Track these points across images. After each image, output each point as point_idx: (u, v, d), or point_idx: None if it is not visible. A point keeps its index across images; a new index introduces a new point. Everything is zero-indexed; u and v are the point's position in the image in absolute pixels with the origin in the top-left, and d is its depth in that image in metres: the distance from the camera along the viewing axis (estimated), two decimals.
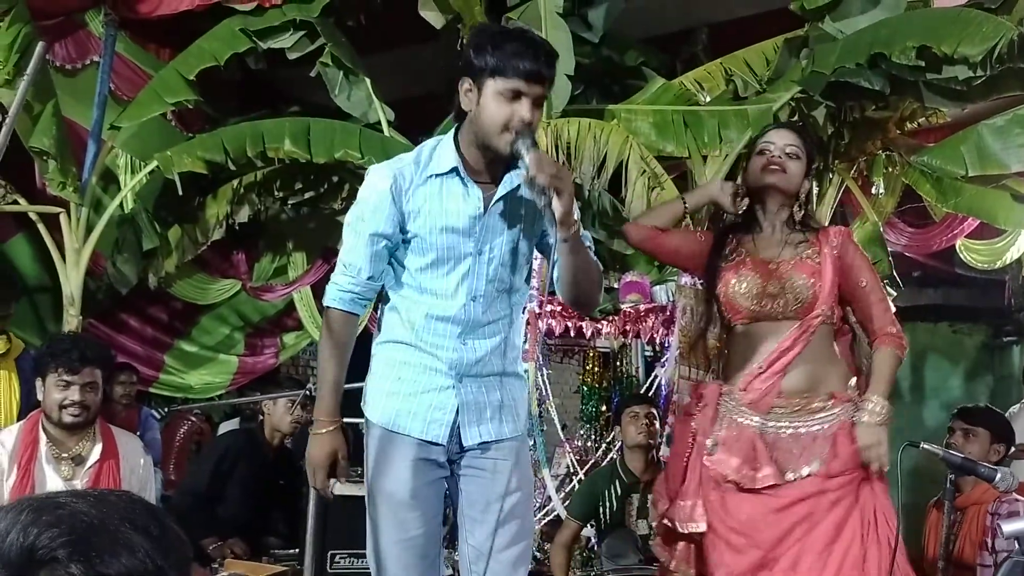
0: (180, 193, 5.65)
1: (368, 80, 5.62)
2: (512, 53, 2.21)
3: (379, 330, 2.45)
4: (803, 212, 2.75)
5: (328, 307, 2.39)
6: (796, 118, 5.21)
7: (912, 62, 4.62)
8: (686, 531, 2.67)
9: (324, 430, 2.33)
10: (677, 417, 2.96)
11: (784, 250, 2.72)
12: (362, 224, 2.34)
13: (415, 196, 2.32)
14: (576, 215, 2.28)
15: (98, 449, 3.28)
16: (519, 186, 2.34)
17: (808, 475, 2.60)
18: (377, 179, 2.35)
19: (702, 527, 2.64)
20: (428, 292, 2.35)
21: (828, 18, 5.18)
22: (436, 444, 2.34)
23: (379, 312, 2.49)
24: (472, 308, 2.34)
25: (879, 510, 2.66)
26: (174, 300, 6.92)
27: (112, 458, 3.30)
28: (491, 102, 2.23)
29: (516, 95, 2.21)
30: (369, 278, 2.36)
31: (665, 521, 2.76)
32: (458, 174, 2.31)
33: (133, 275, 6.21)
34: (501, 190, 2.33)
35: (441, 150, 2.35)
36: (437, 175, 2.32)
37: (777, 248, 2.72)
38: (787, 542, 2.58)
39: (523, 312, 2.55)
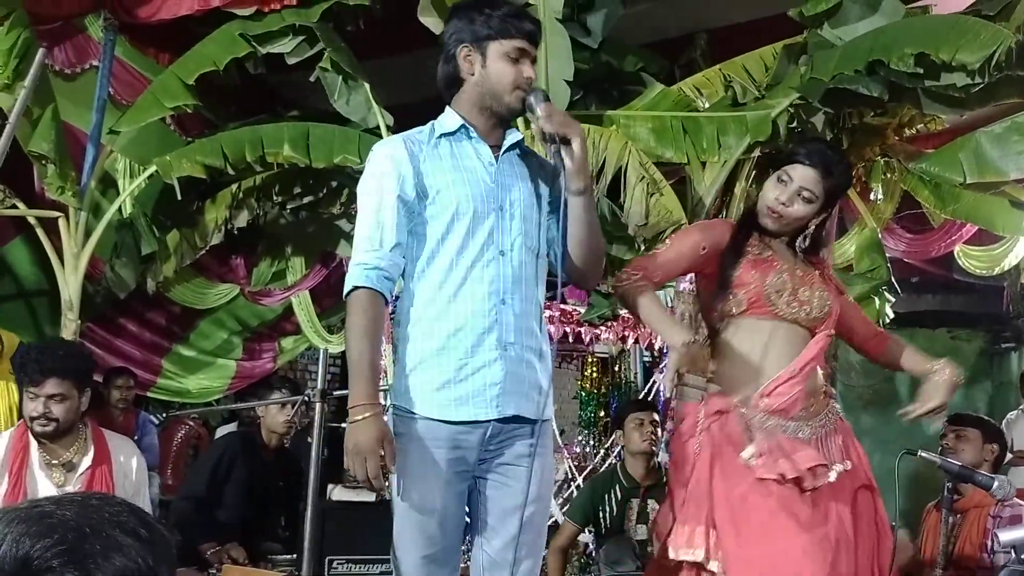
0: (179, 198, 5.66)
1: (367, 85, 5.62)
2: (511, 15, 2.34)
3: (402, 323, 2.35)
4: (807, 243, 2.71)
5: (354, 288, 2.26)
6: (795, 124, 5.21)
7: (911, 69, 4.62)
8: (678, 558, 2.53)
9: (366, 415, 2.16)
10: (674, 438, 2.74)
11: (798, 262, 2.73)
12: (380, 191, 2.31)
13: (429, 157, 2.35)
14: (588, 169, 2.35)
15: (90, 455, 3.25)
16: (522, 140, 2.44)
17: (836, 477, 2.60)
18: (387, 147, 2.37)
19: (699, 555, 2.51)
20: (457, 254, 2.30)
21: (827, 24, 5.17)
22: (475, 428, 2.28)
23: (396, 307, 2.44)
24: (503, 264, 2.32)
25: (881, 521, 2.68)
26: (172, 304, 6.93)
27: (104, 463, 3.28)
28: (497, 63, 2.33)
29: (521, 54, 2.33)
30: (394, 247, 2.29)
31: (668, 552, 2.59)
32: (466, 132, 2.38)
33: (131, 279, 6.22)
34: (507, 143, 2.39)
35: (443, 118, 2.41)
36: (446, 135, 2.38)
37: (791, 257, 2.73)
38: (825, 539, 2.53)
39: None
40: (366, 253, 2.28)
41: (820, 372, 2.74)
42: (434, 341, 2.28)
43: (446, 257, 2.31)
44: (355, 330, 2.26)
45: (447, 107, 2.42)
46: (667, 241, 2.81)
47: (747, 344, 2.64)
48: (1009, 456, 7.52)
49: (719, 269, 2.66)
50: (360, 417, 2.17)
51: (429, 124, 2.42)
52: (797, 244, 2.72)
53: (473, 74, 2.36)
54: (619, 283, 2.64)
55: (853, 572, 2.53)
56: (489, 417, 2.28)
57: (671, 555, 2.56)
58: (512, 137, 2.42)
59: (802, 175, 2.65)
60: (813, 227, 2.70)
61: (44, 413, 3.13)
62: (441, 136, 2.38)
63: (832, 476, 2.57)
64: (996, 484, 2.90)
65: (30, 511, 0.93)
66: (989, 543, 3.45)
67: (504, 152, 2.39)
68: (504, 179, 2.37)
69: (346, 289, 2.29)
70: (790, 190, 2.64)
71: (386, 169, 2.32)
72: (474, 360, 2.27)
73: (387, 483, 2.28)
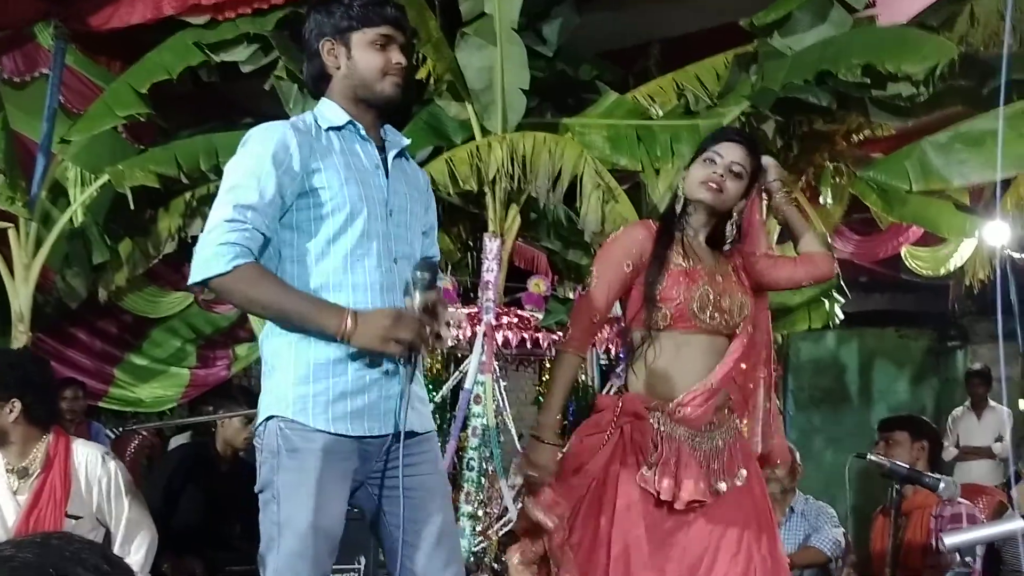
0: (132, 207, 5.60)
1: None
2: (371, 3, 2.23)
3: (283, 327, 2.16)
4: (735, 233, 2.71)
5: (230, 270, 2.04)
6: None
7: (858, 79, 4.74)
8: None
9: (353, 322, 2.05)
10: (583, 427, 2.72)
11: (717, 264, 2.71)
12: (258, 175, 2.09)
13: (317, 150, 2.17)
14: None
15: (40, 463, 3.24)
16: (406, 148, 2.35)
17: (727, 488, 2.60)
18: (274, 131, 2.16)
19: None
20: (352, 258, 2.16)
21: (777, 34, 5.28)
22: (377, 442, 2.18)
23: None
24: (397, 272, 2.20)
25: (774, 525, 2.72)
26: (124, 313, 6.86)
27: (53, 471, 3.24)
28: (364, 53, 2.22)
29: (387, 40, 2.23)
30: (262, 234, 2.10)
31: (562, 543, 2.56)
32: (355, 129, 2.24)
33: (83, 289, 6.15)
34: (392, 148, 2.30)
35: (324, 109, 2.25)
36: (334, 128, 2.22)
37: (711, 260, 2.71)
38: (711, 554, 2.56)
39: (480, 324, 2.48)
40: (233, 232, 2.06)
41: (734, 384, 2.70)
42: (331, 349, 2.12)
43: (339, 259, 2.16)
44: (273, 291, 2.09)
45: (324, 101, 2.27)
46: (594, 273, 2.68)
47: (667, 357, 2.62)
48: (955, 452, 7.76)
49: (644, 283, 2.63)
50: (351, 326, 2.06)
51: (308, 114, 2.26)
52: (726, 234, 2.71)
53: (340, 67, 2.24)
54: (558, 346, 2.69)
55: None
56: (386, 432, 2.17)
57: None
58: (399, 141, 2.33)
59: (731, 151, 2.66)
60: (737, 213, 2.69)
61: None
62: (328, 129, 2.22)
63: (722, 488, 2.60)
64: (942, 485, 3.00)
65: None
66: (933, 543, 3.54)
67: (394, 157, 2.30)
68: (394, 183, 2.27)
69: (214, 271, 2.05)
70: (722, 165, 2.64)
71: (269, 152, 2.11)
72: (372, 372, 2.15)
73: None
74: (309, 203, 2.15)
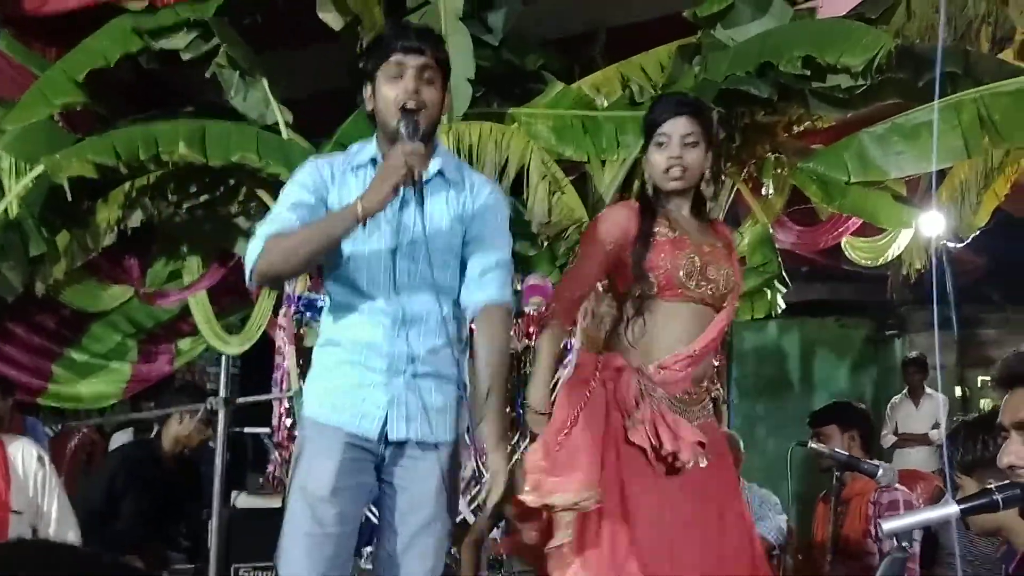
0: (69, 198, 5.46)
1: (265, 81, 5.53)
2: (385, 41, 2.46)
3: (317, 341, 2.60)
4: (711, 191, 2.82)
5: (258, 256, 2.39)
6: None
7: (798, 71, 4.80)
8: (583, 506, 2.51)
9: (357, 205, 2.32)
10: (568, 383, 2.76)
11: (705, 235, 2.78)
12: (286, 197, 2.48)
13: (342, 183, 2.48)
14: None
15: None
16: (442, 170, 2.48)
17: (703, 465, 2.64)
18: (307, 164, 2.55)
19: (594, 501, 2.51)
20: (357, 284, 2.44)
21: (719, 25, 5.33)
22: (366, 439, 2.41)
23: (322, 319, 2.64)
24: (404, 293, 2.42)
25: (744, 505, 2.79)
26: (63, 307, 6.68)
27: None
28: (382, 90, 2.42)
29: (399, 70, 2.39)
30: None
31: (549, 498, 2.54)
32: (374, 165, 2.47)
33: (19, 283, 5.97)
34: (427, 173, 2.45)
35: (365, 145, 2.54)
36: (359, 166, 2.50)
37: (698, 231, 2.78)
38: (690, 526, 2.61)
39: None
40: (264, 232, 2.42)
41: (714, 361, 2.82)
42: (333, 358, 2.48)
43: (346, 282, 2.46)
44: (297, 235, 2.38)
45: (373, 137, 2.55)
46: (579, 252, 2.83)
47: (655, 325, 2.68)
48: (894, 439, 7.93)
49: (632, 258, 2.70)
50: (358, 204, 2.32)
51: (356, 147, 2.56)
52: (703, 203, 2.79)
53: (372, 108, 2.49)
54: (541, 320, 2.76)
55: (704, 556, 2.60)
56: (365, 434, 2.41)
57: (535, 500, 2.56)
58: (433, 165, 2.47)
59: (676, 126, 2.72)
60: (708, 175, 2.78)
61: None
62: (356, 167, 2.50)
63: (703, 462, 2.63)
64: (880, 472, 3.08)
65: None
66: (872, 529, 3.61)
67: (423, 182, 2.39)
68: (411, 213, 2.41)
69: (250, 264, 2.40)
70: (674, 143, 2.70)
71: (299, 179, 2.51)
72: (361, 378, 2.43)
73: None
74: None
